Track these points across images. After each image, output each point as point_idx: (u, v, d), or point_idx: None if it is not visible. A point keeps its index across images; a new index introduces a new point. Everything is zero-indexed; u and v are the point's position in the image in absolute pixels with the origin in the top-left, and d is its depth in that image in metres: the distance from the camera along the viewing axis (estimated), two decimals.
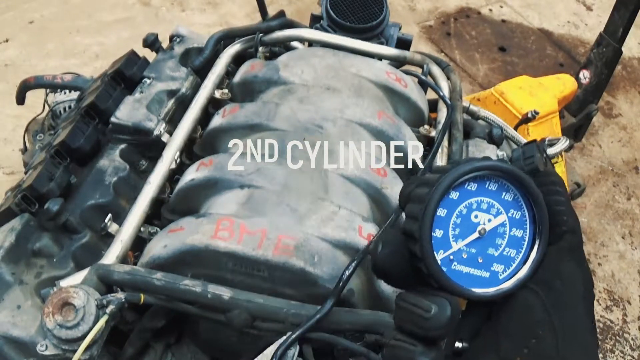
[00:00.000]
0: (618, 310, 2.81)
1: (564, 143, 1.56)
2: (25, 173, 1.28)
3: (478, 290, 0.71)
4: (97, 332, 0.87)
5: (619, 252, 3.04)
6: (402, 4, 4.28)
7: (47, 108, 2.00)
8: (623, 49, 2.89)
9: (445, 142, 1.34)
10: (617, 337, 2.71)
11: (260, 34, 1.53)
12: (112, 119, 1.28)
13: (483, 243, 0.71)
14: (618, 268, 2.97)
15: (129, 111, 1.30)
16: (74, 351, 0.86)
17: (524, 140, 1.52)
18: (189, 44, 1.52)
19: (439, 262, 0.69)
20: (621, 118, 3.77)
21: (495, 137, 1.46)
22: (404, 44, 1.69)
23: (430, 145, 1.41)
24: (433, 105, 1.52)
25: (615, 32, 2.79)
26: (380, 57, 1.53)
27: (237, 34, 1.55)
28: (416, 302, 0.68)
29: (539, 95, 2.21)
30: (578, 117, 2.97)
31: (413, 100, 1.41)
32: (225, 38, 1.53)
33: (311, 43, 1.58)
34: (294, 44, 1.63)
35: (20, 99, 1.91)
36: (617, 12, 2.76)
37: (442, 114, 1.44)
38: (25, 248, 1.07)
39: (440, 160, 1.30)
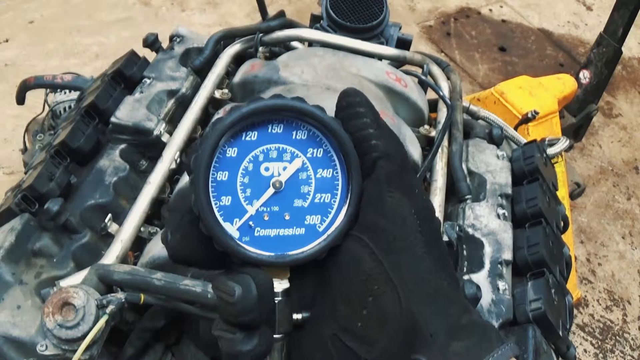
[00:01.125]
0: (618, 310, 2.82)
1: (564, 143, 1.56)
2: (25, 173, 1.28)
3: (291, 253, 0.59)
4: (97, 332, 0.87)
5: (619, 252, 3.04)
6: (402, 4, 4.28)
7: (47, 108, 2.01)
8: (623, 49, 2.89)
9: (445, 142, 1.34)
10: (617, 337, 2.71)
11: (260, 34, 1.53)
12: (112, 119, 1.28)
13: (284, 196, 0.59)
14: (618, 268, 2.97)
15: (129, 111, 1.30)
16: (74, 351, 0.86)
17: (524, 140, 1.52)
18: (189, 44, 1.52)
19: (234, 233, 0.58)
20: (621, 118, 3.77)
21: (495, 137, 1.46)
22: (404, 44, 1.69)
23: (430, 145, 1.41)
24: (433, 105, 1.52)
25: (615, 32, 2.79)
26: (380, 57, 1.53)
27: (237, 34, 1.55)
28: (221, 286, 0.57)
29: (539, 95, 2.22)
30: (578, 117, 2.97)
31: (413, 100, 1.41)
32: (225, 38, 1.53)
33: (311, 43, 1.58)
34: (294, 44, 1.63)
35: (20, 99, 1.92)
36: (617, 12, 2.77)
37: (442, 114, 1.44)
38: (25, 248, 1.07)
39: (440, 160, 1.30)
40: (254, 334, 0.58)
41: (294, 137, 0.59)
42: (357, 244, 0.57)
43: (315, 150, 0.60)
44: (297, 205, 0.60)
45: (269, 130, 0.59)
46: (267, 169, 0.59)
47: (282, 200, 0.59)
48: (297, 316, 0.61)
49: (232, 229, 0.58)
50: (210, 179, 0.57)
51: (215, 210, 0.58)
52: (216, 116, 1.31)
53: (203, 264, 0.61)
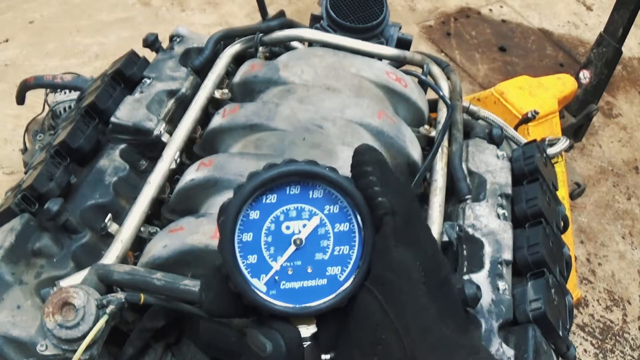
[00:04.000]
0: (618, 310, 2.82)
1: (563, 143, 1.56)
2: (25, 173, 1.28)
3: (315, 303, 0.64)
4: (97, 332, 0.87)
5: (619, 252, 3.04)
6: (402, 4, 4.28)
7: (47, 108, 2.01)
8: (623, 49, 2.89)
9: (445, 142, 1.34)
10: (617, 337, 2.72)
11: (260, 34, 1.53)
12: (112, 119, 1.28)
13: (305, 251, 0.64)
14: (618, 268, 2.97)
15: (129, 111, 1.30)
16: (74, 351, 0.86)
17: (524, 140, 1.52)
18: (189, 44, 1.52)
19: (261, 288, 0.63)
20: (621, 118, 3.77)
21: (495, 137, 1.46)
22: (404, 44, 1.69)
23: (430, 145, 1.41)
24: (433, 105, 1.52)
25: (615, 32, 2.79)
26: (380, 57, 1.53)
27: (237, 34, 1.55)
28: (253, 340, 0.64)
29: (539, 95, 2.22)
30: (578, 117, 2.97)
31: (413, 100, 1.41)
32: (225, 38, 1.53)
33: (311, 43, 1.58)
34: (294, 44, 1.63)
35: (20, 99, 1.92)
36: (617, 12, 2.77)
37: (442, 114, 1.44)
38: (25, 248, 1.07)
39: (440, 160, 1.30)
40: None
41: (310, 196, 0.64)
42: (369, 295, 0.62)
43: (331, 207, 0.64)
44: (318, 259, 0.64)
45: (287, 192, 0.64)
46: (288, 227, 0.64)
47: (304, 254, 0.64)
48: (325, 357, 0.66)
49: (259, 284, 0.63)
50: (236, 241, 0.62)
51: (243, 268, 0.63)
52: (218, 116, 1.31)
53: (237, 315, 0.67)
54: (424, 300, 0.60)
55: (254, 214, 0.63)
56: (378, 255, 0.63)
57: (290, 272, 0.64)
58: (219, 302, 0.65)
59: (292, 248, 0.64)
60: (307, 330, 0.65)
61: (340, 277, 0.64)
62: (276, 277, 0.64)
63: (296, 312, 0.64)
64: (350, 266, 0.64)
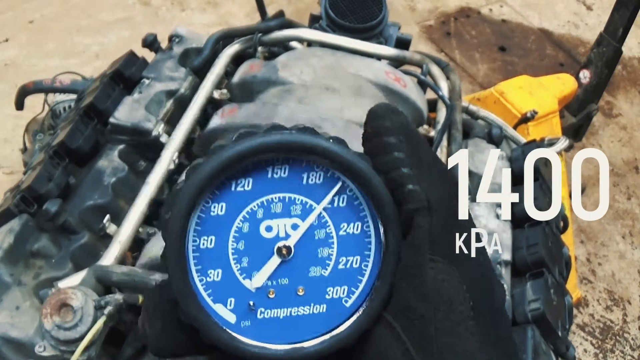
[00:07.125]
0: (618, 310, 2.81)
1: (563, 142, 1.56)
2: (25, 173, 1.28)
3: (309, 343, 0.44)
4: (95, 333, 0.87)
5: (619, 252, 3.04)
6: (402, 4, 4.28)
7: (46, 108, 2.01)
8: (623, 48, 2.89)
9: (444, 142, 1.34)
10: (617, 337, 2.71)
11: (259, 34, 1.53)
12: (111, 120, 1.28)
13: (296, 265, 0.45)
14: (618, 268, 2.97)
15: (128, 112, 1.30)
16: (72, 352, 0.86)
17: (523, 140, 1.51)
18: (188, 44, 1.52)
19: (227, 320, 0.44)
20: (621, 118, 3.77)
21: (494, 137, 1.46)
22: (403, 43, 1.69)
23: (429, 145, 1.41)
24: (432, 105, 1.52)
25: (615, 31, 2.79)
26: (379, 57, 1.53)
27: (236, 34, 1.55)
28: None
29: (539, 95, 2.22)
30: (578, 117, 2.97)
31: (412, 100, 1.41)
32: (224, 38, 1.53)
33: (310, 43, 1.58)
34: (293, 44, 1.63)
35: (19, 104, 1.92)
36: (617, 12, 2.76)
37: (442, 113, 1.44)
38: (24, 249, 1.07)
39: None
40: None
41: (304, 181, 0.44)
42: (389, 334, 0.42)
43: (336, 199, 0.45)
44: (314, 275, 0.46)
45: (270, 175, 0.44)
46: (269, 229, 0.45)
47: (293, 269, 0.45)
48: None
49: (226, 312, 0.45)
50: (190, 248, 0.44)
51: (201, 289, 0.44)
52: (217, 117, 1.31)
53: (198, 353, 0.48)
54: (472, 345, 0.41)
55: (218, 209, 0.44)
56: (405, 273, 0.43)
57: (272, 295, 0.45)
58: (168, 338, 0.45)
59: (276, 260, 0.45)
60: None
61: (346, 302, 0.46)
62: (251, 303, 0.45)
63: (280, 356, 0.44)
64: (361, 287, 0.45)
